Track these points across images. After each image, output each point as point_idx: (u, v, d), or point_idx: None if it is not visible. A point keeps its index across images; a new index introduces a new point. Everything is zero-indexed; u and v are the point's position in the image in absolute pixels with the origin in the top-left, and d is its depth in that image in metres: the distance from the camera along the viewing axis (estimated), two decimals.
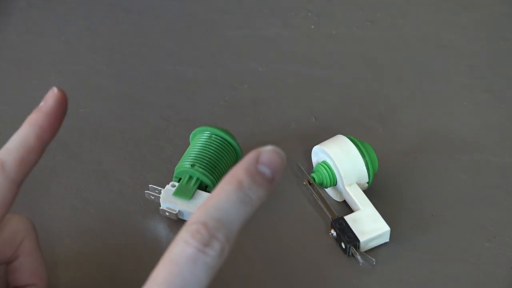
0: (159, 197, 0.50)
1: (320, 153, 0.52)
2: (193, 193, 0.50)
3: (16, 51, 0.67)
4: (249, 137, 0.57)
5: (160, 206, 0.50)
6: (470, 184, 0.54)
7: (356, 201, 0.50)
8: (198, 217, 0.31)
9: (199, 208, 0.31)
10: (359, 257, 0.47)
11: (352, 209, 0.50)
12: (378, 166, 0.51)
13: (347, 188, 0.50)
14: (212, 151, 0.51)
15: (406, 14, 0.71)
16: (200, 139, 0.52)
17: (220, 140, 0.52)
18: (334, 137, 0.52)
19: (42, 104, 0.36)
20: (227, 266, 0.48)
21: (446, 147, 0.57)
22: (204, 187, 0.51)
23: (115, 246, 0.50)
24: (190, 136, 0.54)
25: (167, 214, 0.50)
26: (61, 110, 0.35)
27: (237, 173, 0.32)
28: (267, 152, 0.32)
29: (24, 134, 0.35)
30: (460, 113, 0.60)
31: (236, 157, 0.53)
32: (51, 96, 0.35)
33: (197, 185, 0.50)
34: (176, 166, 0.51)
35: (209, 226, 0.30)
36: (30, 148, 0.35)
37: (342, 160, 0.50)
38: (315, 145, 0.52)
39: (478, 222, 0.51)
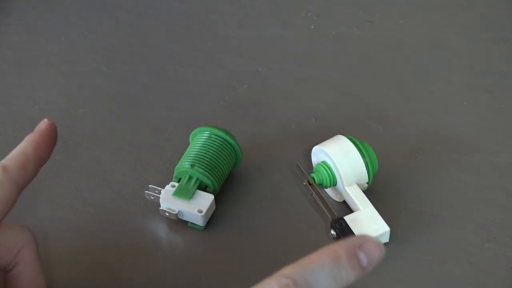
0: (159, 197, 0.50)
1: (320, 153, 0.52)
2: (193, 193, 0.50)
3: (16, 51, 0.67)
4: (249, 137, 0.57)
5: (160, 206, 0.50)
6: (470, 184, 0.54)
7: (356, 201, 0.50)
8: (290, 273, 0.32)
9: (294, 264, 0.33)
10: None
11: (352, 209, 0.50)
12: (378, 166, 0.51)
13: (347, 189, 0.50)
14: (212, 151, 0.51)
15: (406, 14, 0.71)
16: (200, 139, 0.52)
17: (220, 140, 0.52)
18: (334, 137, 0.52)
19: (36, 129, 0.41)
20: (227, 266, 0.49)
21: (446, 147, 0.57)
22: (204, 187, 0.51)
23: (115, 246, 0.50)
24: (190, 136, 0.54)
25: (167, 214, 0.50)
26: (52, 133, 0.41)
27: (338, 249, 0.33)
28: (371, 243, 0.34)
29: (23, 147, 0.40)
30: (460, 113, 0.60)
31: (236, 157, 0.53)
32: (43, 123, 0.41)
33: (197, 185, 0.50)
34: (176, 166, 0.51)
35: (298, 285, 0.32)
36: (29, 157, 0.40)
37: (342, 160, 0.50)
38: (315, 145, 0.52)
39: (478, 222, 0.51)
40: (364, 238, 0.34)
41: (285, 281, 0.32)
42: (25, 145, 0.40)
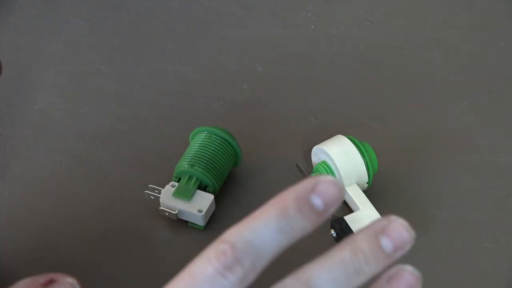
0: (159, 197, 0.50)
1: (320, 153, 0.52)
2: (193, 193, 0.50)
3: (16, 51, 0.67)
4: (249, 137, 0.57)
5: (160, 206, 0.50)
6: (470, 184, 0.54)
7: (356, 201, 0.50)
8: (229, 236, 0.28)
9: (235, 226, 0.28)
10: None
11: (352, 209, 0.50)
12: (378, 166, 0.51)
13: (347, 188, 0.50)
14: (211, 151, 0.51)
15: (406, 14, 0.71)
16: (199, 139, 0.52)
17: (220, 140, 0.52)
18: (334, 137, 0.52)
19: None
20: None
21: (446, 147, 0.57)
22: (204, 187, 0.51)
23: (115, 246, 0.50)
24: (190, 136, 0.54)
25: (167, 214, 0.50)
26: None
27: (286, 198, 0.28)
28: (325, 183, 0.28)
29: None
30: (460, 113, 0.60)
31: (235, 157, 0.53)
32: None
33: (196, 185, 0.50)
34: (176, 166, 0.51)
35: (237, 249, 0.27)
36: None
37: (342, 160, 0.50)
38: (315, 145, 0.52)
39: (478, 223, 0.51)
40: (317, 179, 0.27)
41: (222, 248, 0.27)
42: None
